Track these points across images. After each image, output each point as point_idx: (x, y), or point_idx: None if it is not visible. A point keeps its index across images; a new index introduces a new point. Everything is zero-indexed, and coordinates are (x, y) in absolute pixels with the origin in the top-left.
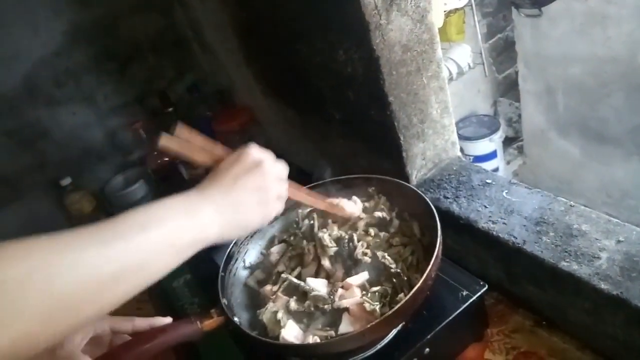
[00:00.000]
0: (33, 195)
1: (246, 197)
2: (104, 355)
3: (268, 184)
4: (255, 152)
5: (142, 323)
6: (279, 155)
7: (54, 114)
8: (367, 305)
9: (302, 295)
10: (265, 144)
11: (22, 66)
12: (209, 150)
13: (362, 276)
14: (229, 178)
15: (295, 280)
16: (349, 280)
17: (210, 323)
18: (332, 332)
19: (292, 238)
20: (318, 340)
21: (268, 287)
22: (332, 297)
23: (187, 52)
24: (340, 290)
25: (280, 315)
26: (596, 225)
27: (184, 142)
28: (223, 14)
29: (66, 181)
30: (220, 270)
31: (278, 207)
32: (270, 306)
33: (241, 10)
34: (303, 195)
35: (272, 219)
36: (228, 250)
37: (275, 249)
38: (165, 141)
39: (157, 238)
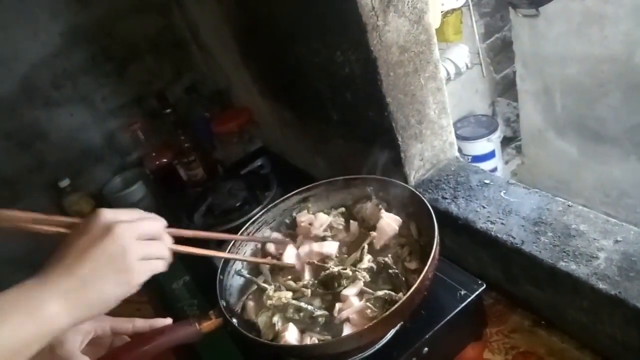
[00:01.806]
0: (31, 197)
1: (97, 270)
2: (104, 356)
3: (124, 248)
4: (104, 217)
5: (142, 324)
6: (276, 155)
7: (52, 115)
8: (369, 311)
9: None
10: (264, 145)
11: (20, 68)
12: (48, 221)
13: (357, 285)
14: (72, 254)
15: (295, 302)
16: (344, 292)
17: (209, 324)
18: (329, 337)
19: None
20: (316, 341)
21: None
22: (331, 314)
23: (185, 53)
24: (337, 305)
25: (275, 319)
26: (594, 225)
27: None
28: (221, 15)
29: (64, 182)
30: (219, 273)
31: (147, 269)
32: (268, 311)
33: (239, 12)
34: (197, 250)
35: (142, 283)
36: (227, 251)
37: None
38: None
39: None
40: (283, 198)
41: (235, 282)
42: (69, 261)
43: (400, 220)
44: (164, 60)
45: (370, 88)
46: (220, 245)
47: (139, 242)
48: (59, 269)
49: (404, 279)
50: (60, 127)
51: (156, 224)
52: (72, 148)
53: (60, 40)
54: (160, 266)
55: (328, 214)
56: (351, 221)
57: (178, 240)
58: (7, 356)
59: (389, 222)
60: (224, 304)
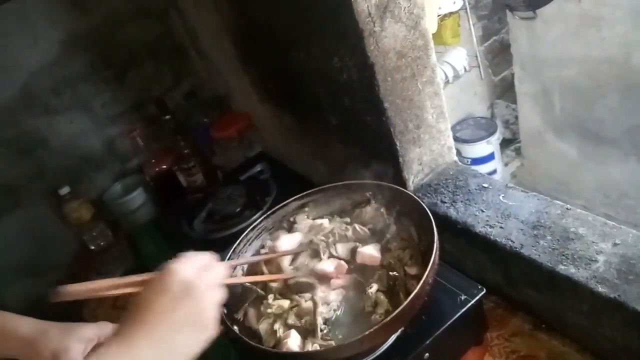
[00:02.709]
0: (32, 204)
1: (177, 333)
2: None
3: (203, 309)
4: (182, 272)
5: None
6: (276, 161)
7: (52, 122)
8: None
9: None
10: (263, 150)
11: (20, 75)
12: (122, 283)
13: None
14: (153, 315)
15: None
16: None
17: None
18: (333, 342)
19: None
20: (318, 348)
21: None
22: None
23: (184, 59)
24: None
25: (277, 326)
26: (593, 228)
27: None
28: (219, 21)
29: (65, 190)
30: None
31: (218, 295)
32: (269, 318)
33: (237, 18)
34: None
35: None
36: (227, 258)
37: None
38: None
39: None
40: (282, 204)
41: (235, 289)
42: (148, 323)
43: (379, 245)
44: (163, 67)
45: (368, 93)
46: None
47: (214, 297)
48: (139, 333)
49: (404, 283)
50: (60, 134)
51: (224, 273)
52: (72, 155)
53: (60, 48)
54: (223, 292)
55: (330, 220)
56: (357, 226)
57: None
58: None
59: (371, 254)
60: (225, 311)
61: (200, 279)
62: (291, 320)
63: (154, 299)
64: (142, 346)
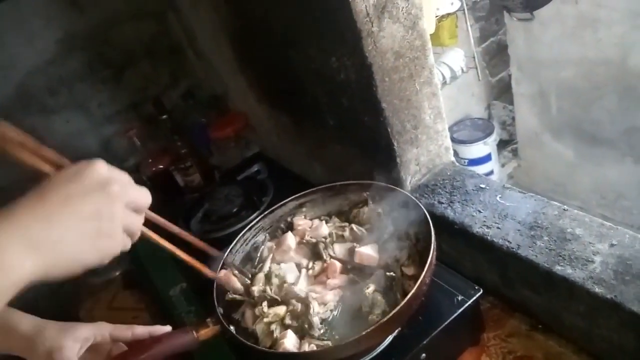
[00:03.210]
0: None
1: (78, 225)
2: None
3: (114, 211)
4: (104, 169)
5: (141, 331)
6: (273, 161)
7: (48, 122)
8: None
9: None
10: (260, 150)
11: (16, 75)
12: (40, 153)
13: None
14: (57, 198)
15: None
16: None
17: (206, 332)
18: (329, 342)
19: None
20: (314, 348)
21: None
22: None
23: (181, 58)
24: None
25: (274, 327)
26: (589, 229)
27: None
28: (216, 21)
29: None
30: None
31: (124, 243)
32: (265, 318)
33: (234, 18)
34: (162, 240)
35: (114, 255)
36: (223, 258)
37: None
38: None
39: None
40: (279, 204)
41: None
42: (50, 206)
43: (377, 246)
44: (160, 66)
45: (365, 93)
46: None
47: (129, 210)
48: (36, 212)
49: (401, 284)
50: (56, 134)
51: (147, 196)
52: (68, 155)
53: (56, 47)
54: (129, 244)
55: (327, 221)
56: (355, 226)
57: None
58: None
59: (369, 254)
60: (221, 311)
61: (120, 185)
62: (288, 320)
63: (63, 183)
64: (30, 225)
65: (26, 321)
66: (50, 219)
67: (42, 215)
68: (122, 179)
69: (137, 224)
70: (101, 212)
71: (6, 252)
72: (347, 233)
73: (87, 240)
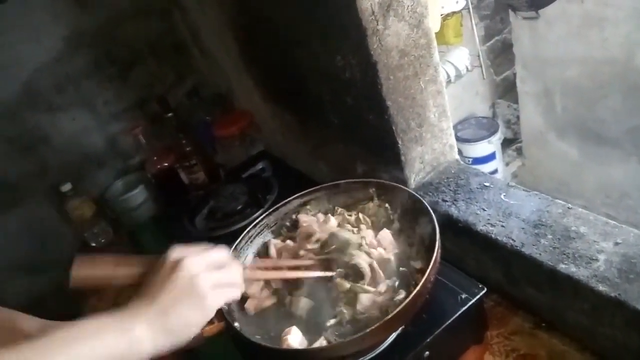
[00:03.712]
0: (34, 201)
1: (174, 299)
2: None
3: (193, 282)
4: (174, 253)
5: None
6: (278, 159)
7: (54, 119)
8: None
9: None
10: (265, 148)
11: (23, 72)
12: (128, 265)
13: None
14: (153, 287)
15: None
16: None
17: (211, 329)
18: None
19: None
20: (318, 345)
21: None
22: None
23: (186, 56)
24: None
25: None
26: (594, 227)
27: (97, 270)
28: (222, 19)
29: (66, 187)
30: None
31: (220, 295)
32: None
33: (240, 16)
34: (267, 273)
35: (221, 306)
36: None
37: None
38: (77, 273)
39: (88, 352)
40: (284, 201)
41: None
42: (151, 294)
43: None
44: (165, 64)
45: (370, 92)
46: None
47: (207, 271)
48: (145, 301)
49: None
50: (62, 132)
51: (221, 253)
52: (74, 152)
53: (63, 45)
54: (233, 293)
55: (333, 213)
56: (361, 215)
57: None
58: None
59: (391, 239)
60: (226, 308)
61: (209, 279)
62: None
63: (154, 274)
64: (143, 310)
65: (34, 324)
66: (155, 301)
67: (149, 301)
68: (191, 253)
69: (229, 276)
70: (184, 285)
71: (133, 330)
72: (352, 218)
73: (187, 311)
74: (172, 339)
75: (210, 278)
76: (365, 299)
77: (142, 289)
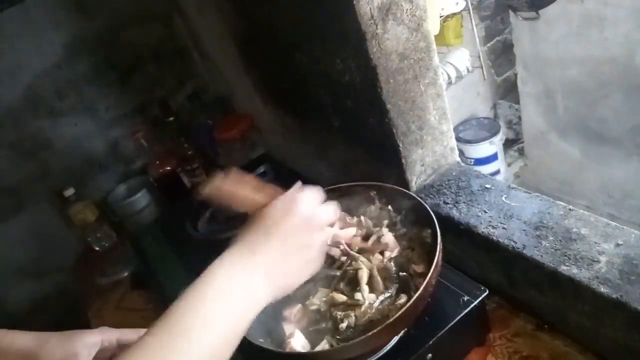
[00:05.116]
0: (36, 206)
1: (294, 260)
2: None
3: (315, 241)
4: (306, 203)
5: None
6: (279, 162)
7: (56, 125)
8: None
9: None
10: (266, 151)
11: (25, 78)
12: (257, 191)
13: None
14: (277, 237)
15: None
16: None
17: None
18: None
19: None
20: (320, 349)
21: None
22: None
23: (187, 61)
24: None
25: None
26: (595, 228)
27: (234, 185)
28: (222, 23)
29: (69, 191)
30: None
31: (322, 258)
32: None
33: (240, 20)
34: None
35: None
36: None
37: None
38: (221, 183)
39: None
40: None
41: None
42: (274, 244)
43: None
44: (166, 69)
45: (370, 95)
46: None
47: (324, 233)
48: (267, 251)
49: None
50: (64, 137)
51: (335, 213)
52: (76, 157)
53: (64, 51)
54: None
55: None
56: (362, 217)
57: None
58: (229, 334)
59: (393, 240)
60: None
61: (318, 216)
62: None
63: (278, 221)
64: (265, 259)
65: (21, 337)
66: (277, 254)
67: (271, 252)
68: (319, 207)
69: (329, 234)
70: (307, 243)
71: (255, 285)
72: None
73: (301, 269)
74: (279, 295)
75: (325, 237)
76: (360, 312)
77: (265, 228)
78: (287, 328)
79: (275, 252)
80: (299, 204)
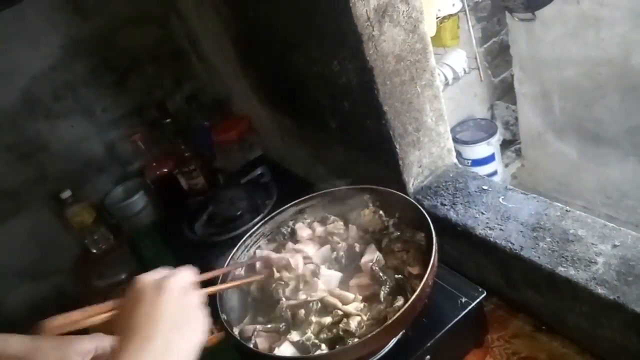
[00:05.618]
0: (34, 208)
1: (172, 328)
2: None
3: (181, 300)
4: (146, 280)
5: None
6: (276, 163)
7: (53, 127)
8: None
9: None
10: (264, 153)
11: (21, 80)
12: (96, 311)
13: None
14: (141, 323)
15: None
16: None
17: (211, 339)
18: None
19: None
20: (318, 352)
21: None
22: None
23: (185, 62)
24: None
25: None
26: (592, 230)
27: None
28: (219, 25)
29: (66, 194)
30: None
31: (202, 315)
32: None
33: (237, 22)
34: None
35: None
36: (225, 264)
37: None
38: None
39: None
40: (279, 210)
41: (235, 295)
42: (143, 331)
43: (373, 246)
44: (164, 70)
45: (367, 97)
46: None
47: (187, 293)
48: (139, 343)
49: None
50: (61, 139)
51: (190, 273)
52: (73, 159)
53: (61, 53)
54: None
55: (326, 220)
56: (350, 225)
57: None
58: None
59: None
60: (225, 317)
61: (167, 281)
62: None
63: (133, 309)
64: (146, 350)
65: (14, 342)
66: (153, 338)
67: (145, 341)
68: (164, 273)
69: (199, 295)
70: (174, 308)
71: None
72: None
73: (184, 333)
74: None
75: (194, 300)
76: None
77: (127, 328)
78: None
79: (148, 340)
80: (139, 282)
